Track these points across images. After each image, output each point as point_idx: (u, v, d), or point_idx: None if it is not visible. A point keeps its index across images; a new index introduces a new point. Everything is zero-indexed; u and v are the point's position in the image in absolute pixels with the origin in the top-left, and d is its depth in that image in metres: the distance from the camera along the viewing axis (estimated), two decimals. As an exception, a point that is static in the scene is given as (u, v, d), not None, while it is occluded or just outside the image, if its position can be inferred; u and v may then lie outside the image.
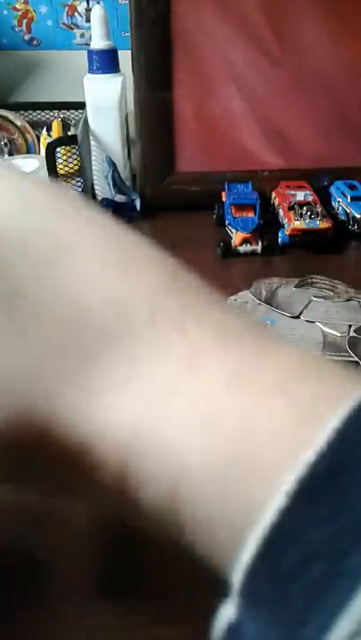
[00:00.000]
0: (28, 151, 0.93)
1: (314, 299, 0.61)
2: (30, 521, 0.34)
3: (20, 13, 0.96)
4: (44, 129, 0.91)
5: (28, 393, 0.19)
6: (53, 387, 0.19)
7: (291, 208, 0.74)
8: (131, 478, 0.18)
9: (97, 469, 0.19)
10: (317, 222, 0.71)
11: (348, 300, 0.60)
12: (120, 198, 0.84)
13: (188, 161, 0.84)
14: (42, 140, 0.91)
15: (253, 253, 0.72)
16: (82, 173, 0.79)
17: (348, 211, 0.76)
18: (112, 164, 0.81)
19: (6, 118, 0.92)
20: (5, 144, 0.91)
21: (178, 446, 0.18)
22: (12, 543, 0.33)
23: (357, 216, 0.75)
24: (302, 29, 0.78)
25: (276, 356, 0.19)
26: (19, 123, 0.92)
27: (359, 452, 0.16)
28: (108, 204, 0.82)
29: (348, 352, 0.51)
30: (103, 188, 0.85)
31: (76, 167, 0.79)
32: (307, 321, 0.57)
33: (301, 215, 0.72)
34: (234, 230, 0.73)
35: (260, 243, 0.72)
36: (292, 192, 0.76)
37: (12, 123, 0.92)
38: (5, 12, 0.95)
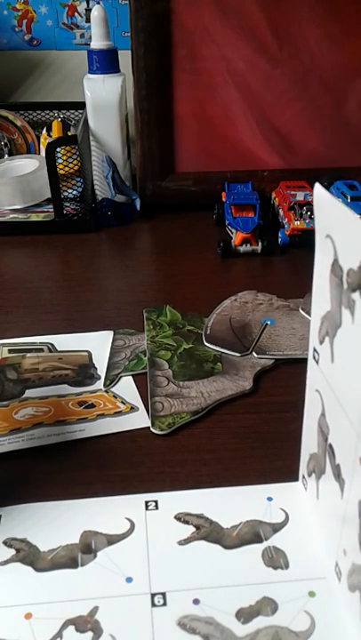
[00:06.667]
0: (28, 151, 0.93)
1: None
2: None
3: (20, 13, 0.96)
4: (44, 129, 0.91)
5: None
6: None
7: (291, 208, 0.74)
8: None
9: None
10: (317, 222, 0.71)
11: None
12: (120, 198, 0.84)
13: (188, 161, 0.84)
14: (42, 139, 0.91)
15: (253, 253, 0.72)
16: (82, 173, 0.79)
17: (348, 211, 0.76)
18: (112, 164, 0.81)
19: (6, 118, 0.92)
20: (5, 144, 0.91)
21: None
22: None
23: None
24: (302, 30, 0.78)
25: None
26: (19, 123, 0.92)
27: None
28: (107, 204, 0.82)
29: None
30: (103, 188, 0.85)
31: (76, 167, 0.79)
32: None
33: (301, 215, 0.72)
34: (234, 230, 0.73)
35: (260, 243, 0.72)
36: (292, 192, 0.76)
37: (12, 123, 0.92)
38: (5, 12, 0.95)
